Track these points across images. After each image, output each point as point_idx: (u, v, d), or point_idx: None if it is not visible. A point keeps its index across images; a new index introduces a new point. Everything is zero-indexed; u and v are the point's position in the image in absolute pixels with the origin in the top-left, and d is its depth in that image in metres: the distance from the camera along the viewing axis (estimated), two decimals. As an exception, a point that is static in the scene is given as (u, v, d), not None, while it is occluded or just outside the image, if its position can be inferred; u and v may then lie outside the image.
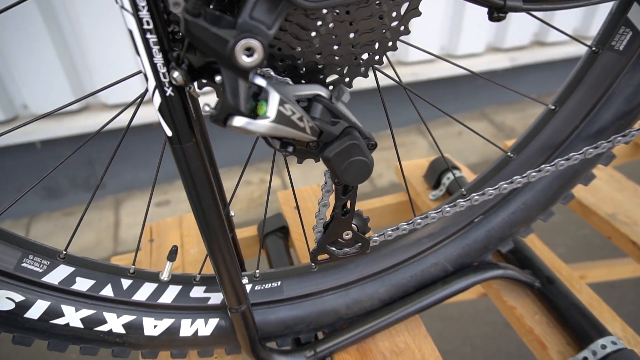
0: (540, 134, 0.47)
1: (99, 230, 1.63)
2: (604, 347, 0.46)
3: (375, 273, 0.50)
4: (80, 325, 0.42)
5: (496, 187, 0.43)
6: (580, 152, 0.43)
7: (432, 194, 0.72)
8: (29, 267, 0.39)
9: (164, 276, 0.45)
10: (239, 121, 0.26)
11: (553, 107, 0.48)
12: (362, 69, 0.34)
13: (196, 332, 0.46)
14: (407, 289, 0.51)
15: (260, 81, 0.26)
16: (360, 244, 0.42)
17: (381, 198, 0.76)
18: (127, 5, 0.25)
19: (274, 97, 0.26)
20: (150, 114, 1.46)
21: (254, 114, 0.27)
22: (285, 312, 0.49)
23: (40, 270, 0.40)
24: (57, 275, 0.40)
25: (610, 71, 0.44)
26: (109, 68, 1.39)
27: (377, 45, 0.33)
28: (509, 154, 0.49)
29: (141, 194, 1.74)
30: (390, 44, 0.33)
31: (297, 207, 0.50)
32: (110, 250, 1.57)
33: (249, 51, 0.24)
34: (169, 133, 0.30)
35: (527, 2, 0.30)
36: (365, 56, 0.33)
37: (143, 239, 0.69)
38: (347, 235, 0.40)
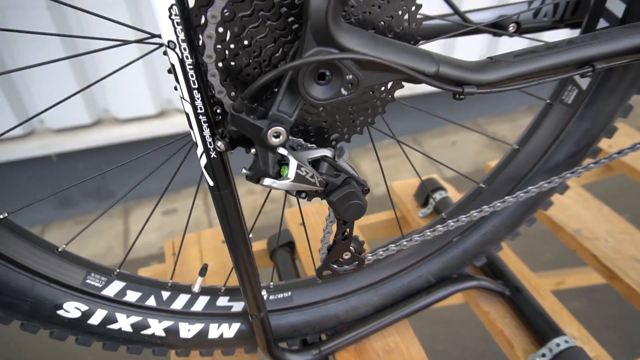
0: (505, 170, 0.58)
1: (110, 238, 1.73)
2: (558, 345, 0.56)
3: (370, 284, 0.60)
4: (130, 330, 0.52)
5: (468, 215, 0.53)
6: (537, 186, 0.53)
7: (421, 211, 0.82)
8: (92, 282, 0.49)
9: (196, 288, 0.56)
10: (267, 181, 0.36)
11: (517, 147, 0.58)
12: (358, 128, 0.44)
13: (222, 334, 0.56)
14: (396, 297, 0.62)
15: (283, 151, 0.36)
16: (357, 262, 0.52)
17: (376, 215, 0.87)
18: (186, 96, 0.36)
19: (293, 163, 0.36)
20: (160, 127, 1.57)
21: (278, 175, 0.37)
22: (294, 318, 0.59)
23: (100, 285, 0.50)
24: (112, 289, 0.51)
25: (561, 119, 0.55)
26: (121, 86, 1.49)
27: (369, 111, 0.43)
28: (481, 185, 0.60)
29: (150, 202, 1.84)
30: (380, 109, 0.43)
31: (304, 224, 0.61)
32: (120, 257, 1.67)
33: (277, 134, 0.34)
34: (211, 183, 0.40)
35: (480, 87, 0.40)
36: (361, 119, 0.44)
37: (167, 253, 0.79)
38: (346, 255, 0.51)
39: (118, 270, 0.52)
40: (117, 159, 1.69)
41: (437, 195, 0.81)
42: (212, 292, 0.57)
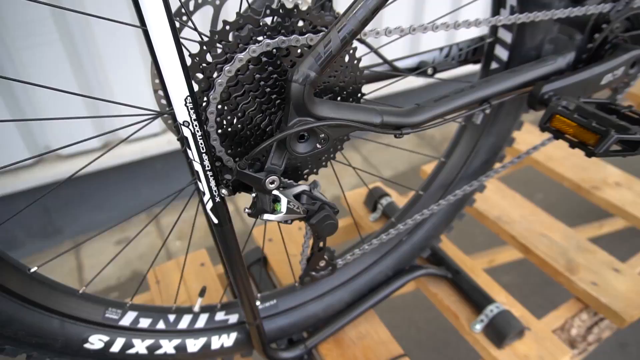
0: (437, 178, 0.74)
1: (63, 276, 1.72)
2: (491, 310, 0.73)
3: (341, 284, 0.74)
4: (146, 352, 0.61)
5: (413, 218, 0.68)
6: (462, 189, 0.69)
7: (371, 216, 0.97)
8: (110, 316, 0.58)
9: (196, 308, 0.66)
10: (267, 216, 0.48)
11: (443, 160, 0.74)
12: (324, 163, 0.57)
13: (222, 344, 0.67)
14: (363, 291, 0.75)
15: (276, 193, 0.48)
16: (330, 267, 0.65)
17: (334, 223, 1.00)
18: (197, 158, 0.47)
19: (284, 200, 0.48)
20: (106, 161, 1.60)
21: (274, 210, 0.49)
22: (281, 321, 0.71)
23: (117, 317, 0.59)
24: (127, 319, 0.60)
25: (474, 136, 0.71)
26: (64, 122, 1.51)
27: (331, 150, 0.56)
28: (419, 192, 0.75)
29: (99, 235, 1.85)
30: (339, 147, 0.57)
31: (282, 239, 0.72)
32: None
33: (272, 181, 0.46)
34: (216, 221, 0.51)
35: (413, 127, 0.54)
36: (325, 156, 0.56)
37: (151, 281, 0.87)
38: (322, 263, 0.63)
39: (130, 302, 0.61)
40: (61, 194, 1.69)
41: (384, 201, 0.96)
42: (210, 310, 0.67)
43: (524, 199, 0.99)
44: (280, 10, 0.44)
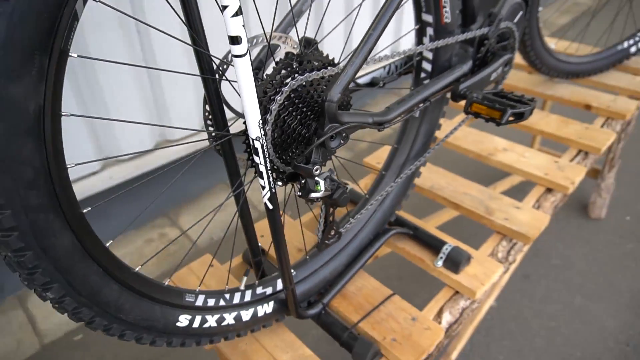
0: (393, 160, 1.02)
1: (14, 333, 1.70)
2: (446, 249, 1.03)
3: (340, 250, 0.98)
4: (215, 324, 0.79)
5: (384, 192, 0.95)
6: (413, 165, 0.98)
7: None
8: (188, 299, 0.76)
9: (242, 287, 0.85)
10: (313, 195, 0.71)
11: (396, 146, 1.03)
12: (335, 153, 0.81)
13: (265, 312, 0.87)
14: (355, 254, 1.00)
15: (318, 178, 0.71)
16: (338, 235, 0.88)
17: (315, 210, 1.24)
18: (262, 162, 0.68)
19: (322, 183, 0.71)
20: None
21: (316, 191, 0.72)
22: (301, 288, 0.93)
23: (193, 300, 0.76)
24: (199, 300, 0.77)
25: (412, 125, 1.01)
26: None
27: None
28: (383, 172, 1.03)
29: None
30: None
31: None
32: (36, 346, 1.67)
33: (317, 170, 0.69)
34: (271, 207, 0.73)
35: (389, 122, 0.81)
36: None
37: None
38: (332, 232, 0.87)
39: (198, 289, 0.78)
40: None
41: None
42: (251, 287, 0.87)
43: (446, 171, 1.32)
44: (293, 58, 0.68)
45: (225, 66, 0.75)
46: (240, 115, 0.73)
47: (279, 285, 0.89)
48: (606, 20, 1.74)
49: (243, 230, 0.87)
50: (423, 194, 1.27)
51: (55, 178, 0.53)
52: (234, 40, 0.57)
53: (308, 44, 0.77)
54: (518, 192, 1.48)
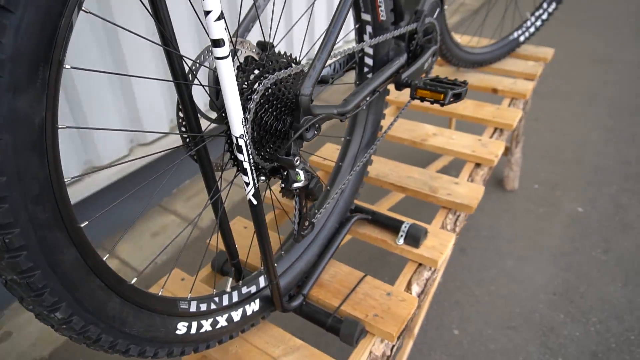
0: (347, 151, 1.10)
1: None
2: (404, 227, 1.12)
3: (311, 241, 1.03)
4: (210, 328, 0.80)
5: (345, 182, 1.02)
6: (366, 154, 1.07)
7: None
8: (183, 307, 0.76)
9: (228, 288, 0.87)
10: (296, 185, 0.75)
11: (348, 138, 1.10)
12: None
13: (253, 310, 0.89)
14: (324, 244, 1.06)
15: (298, 169, 0.76)
16: (311, 225, 0.94)
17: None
18: (246, 158, 0.71)
19: (302, 173, 0.76)
20: None
21: (297, 181, 0.76)
22: (282, 282, 0.97)
23: (186, 307, 0.77)
24: (193, 306, 0.78)
25: (361, 116, 1.10)
26: None
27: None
28: (339, 163, 1.10)
29: None
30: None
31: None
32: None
33: (297, 161, 0.74)
34: (255, 203, 0.76)
35: (348, 113, 0.88)
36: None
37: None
38: (307, 223, 0.92)
39: (189, 296, 0.79)
40: None
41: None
42: (236, 288, 0.89)
43: (387, 159, 1.43)
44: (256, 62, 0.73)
45: (196, 68, 0.78)
46: (211, 120, 0.77)
47: (262, 282, 0.92)
48: (498, 16, 1.99)
49: (221, 235, 0.89)
50: (371, 182, 1.37)
51: (57, 192, 0.53)
52: (217, 43, 0.61)
53: (265, 46, 0.82)
54: (452, 170, 1.64)
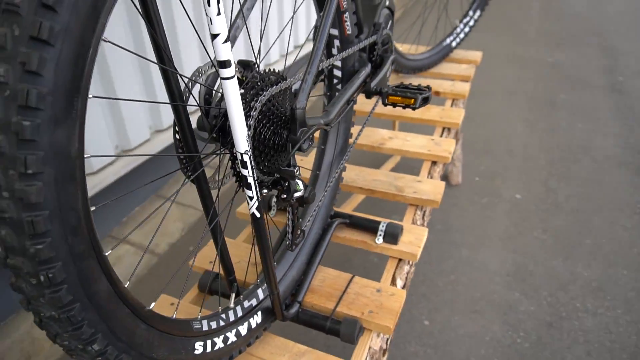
0: (323, 159, 1.15)
1: None
2: (382, 227, 1.19)
3: (299, 250, 1.06)
4: (222, 345, 0.81)
5: (324, 192, 1.07)
6: (342, 161, 1.12)
7: (271, 213, 1.30)
8: (196, 327, 0.76)
9: (231, 304, 0.88)
10: (297, 194, 0.79)
11: (323, 147, 1.15)
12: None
13: (256, 322, 0.91)
14: (310, 251, 1.10)
15: (297, 179, 0.79)
16: (302, 233, 0.97)
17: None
18: (250, 173, 0.74)
19: (300, 182, 0.79)
20: None
21: (297, 190, 0.79)
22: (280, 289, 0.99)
23: (199, 327, 0.77)
24: (204, 325, 0.78)
25: (335, 126, 1.15)
26: None
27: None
28: (317, 172, 1.14)
29: None
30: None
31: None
32: None
33: (297, 171, 0.78)
34: (258, 215, 0.78)
35: (332, 121, 0.93)
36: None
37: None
38: (298, 232, 0.95)
39: (199, 315, 0.79)
40: None
41: (274, 199, 1.30)
42: (239, 303, 0.90)
43: (352, 165, 1.50)
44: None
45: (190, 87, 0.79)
46: (206, 140, 0.78)
47: (260, 294, 0.94)
48: (431, 24, 2.14)
49: (221, 254, 0.90)
50: (343, 188, 1.42)
51: (89, 221, 0.52)
52: (223, 64, 0.63)
53: (248, 65, 0.85)
54: (411, 170, 1.74)
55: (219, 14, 0.60)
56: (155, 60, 0.67)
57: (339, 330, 0.97)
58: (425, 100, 1.02)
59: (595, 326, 1.70)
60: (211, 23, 0.60)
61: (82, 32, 0.46)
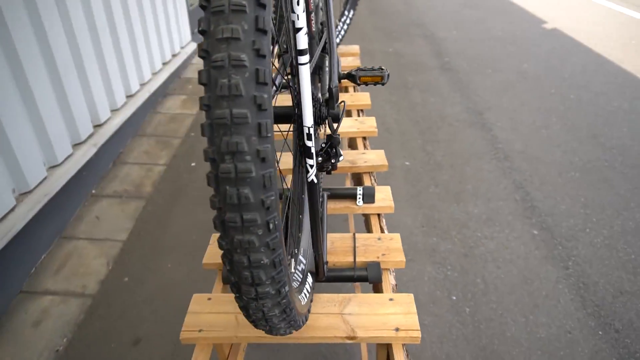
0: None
1: None
2: (359, 191, 1.40)
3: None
4: (305, 300, 0.94)
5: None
6: (323, 139, 1.31)
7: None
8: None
9: (292, 269, 1.00)
10: (341, 158, 0.96)
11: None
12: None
13: (309, 283, 1.04)
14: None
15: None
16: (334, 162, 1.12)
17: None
18: (314, 144, 0.89)
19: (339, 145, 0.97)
20: None
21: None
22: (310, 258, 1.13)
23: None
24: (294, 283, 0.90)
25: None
26: None
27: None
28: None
29: None
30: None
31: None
32: None
33: (339, 139, 0.95)
34: (315, 181, 0.93)
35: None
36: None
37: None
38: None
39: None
40: None
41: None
42: (295, 268, 1.02)
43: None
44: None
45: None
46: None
47: (303, 260, 1.08)
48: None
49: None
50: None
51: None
52: (302, 52, 0.78)
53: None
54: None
55: (304, 11, 0.75)
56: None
57: (367, 275, 1.17)
58: (387, 77, 1.27)
59: (496, 247, 2.18)
60: (298, 19, 0.75)
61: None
